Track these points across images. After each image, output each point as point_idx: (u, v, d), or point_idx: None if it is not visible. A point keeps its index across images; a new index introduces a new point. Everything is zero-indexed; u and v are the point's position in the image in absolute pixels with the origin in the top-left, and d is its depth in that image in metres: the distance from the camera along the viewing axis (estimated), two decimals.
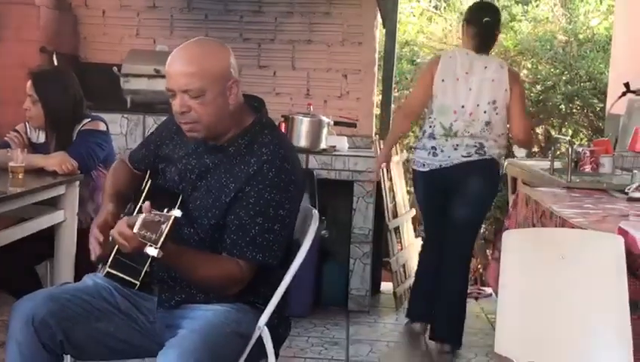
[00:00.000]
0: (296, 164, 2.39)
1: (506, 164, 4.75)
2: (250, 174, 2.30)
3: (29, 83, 3.64)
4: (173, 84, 2.28)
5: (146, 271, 2.29)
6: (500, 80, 4.07)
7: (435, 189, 4.19)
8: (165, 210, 2.07)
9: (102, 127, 3.71)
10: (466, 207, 4.09)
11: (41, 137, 3.75)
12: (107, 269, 2.31)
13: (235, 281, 2.30)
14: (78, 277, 2.87)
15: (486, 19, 4.10)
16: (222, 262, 2.29)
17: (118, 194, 2.54)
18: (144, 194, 2.40)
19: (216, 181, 2.34)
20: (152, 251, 2.02)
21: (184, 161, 2.42)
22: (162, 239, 2.01)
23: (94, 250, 2.34)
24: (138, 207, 2.34)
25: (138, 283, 2.31)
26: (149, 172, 2.53)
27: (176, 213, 2.04)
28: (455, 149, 4.09)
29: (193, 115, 2.28)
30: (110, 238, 2.23)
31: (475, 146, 4.09)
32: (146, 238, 2.02)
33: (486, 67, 4.09)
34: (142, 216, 2.06)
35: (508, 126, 4.17)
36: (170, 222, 2.02)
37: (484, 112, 4.07)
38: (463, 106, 4.07)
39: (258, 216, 2.28)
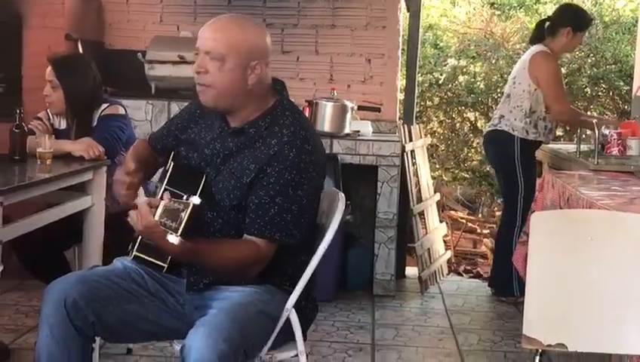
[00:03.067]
0: (317, 146, 2.40)
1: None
2: (271, 155, 2.32)
3: (49, 69, 3.68)
4: (199, 44, 2.34)
5: None
6: (525, 60, 4.72)
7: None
8: (184, 197, 2.09)
9: (121, 110, 3.75)
10: (495, 171, 5.10)
11: (62, 123, 3.78)
12: (134, 253, 2.34)
13: (254, 262, 2.31)
14: (106, 262, 2.90)
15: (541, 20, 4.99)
16: (238, 246, 2.31)
17: (140, 158, 2.53)
18: (168, 175, 2.42)
19: (239, 163, 2.36)
20: (172, 239, 2.05)
21: (211, 146, 2.43)
22: (182, 227, 2.03)
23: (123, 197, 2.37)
24: (162, 189, 2.36)
25: (166, 266, 2.33)
26: (172, 153, 2.55)
27: (195, 200, 2.07)
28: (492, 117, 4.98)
29: (208, 77, 2.32)
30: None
31: (496, 117, 4.83)
32: (167, 226, 2.05)
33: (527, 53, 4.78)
34: (162, 202, 2.08)
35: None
36: (189, 210, 2.04)
37: (508, 87, 4.82)
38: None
39: (277, 195, 2.30)
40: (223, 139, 2.42)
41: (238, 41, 2.31)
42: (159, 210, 2.08)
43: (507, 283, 4.73)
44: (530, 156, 4.72)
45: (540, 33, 4.78)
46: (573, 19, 4.71)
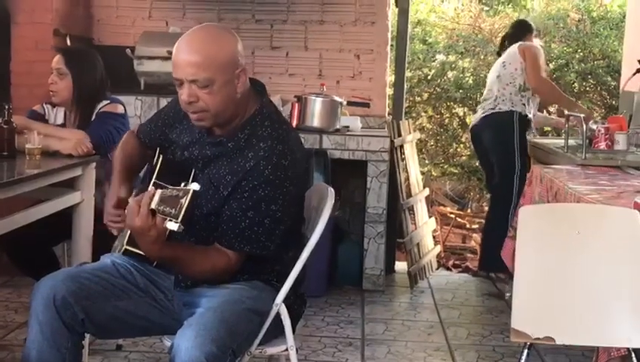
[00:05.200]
0: (295, 158, 2.35)
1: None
2: (247, 169, 2.30)
3: (58, 57, 3.66)
4: (180, 74, 2.25)
5: None
6: (514, 47, 5.10)
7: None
8: (182, 184, 2.07)
9: (120, 109, 3.73)
10: (489, 154, 5.16)
11: (59, 118, 3.76)
12: (125, 246, 2.33)
13: (223, 272, 2.32)
14: (95, 258, 2.90)
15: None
16: (211, 256, 2.31)
17: (127, 171, 2.58)
18: (157, 170, 2.42)
19: (216, 172, 2.35)
20: (172, 226, 2.02)
21: (189, 150, 2.43)
22: (182, 213, 2.01)
23: (115, 229, 2.38)
24: (151, 183, 2.36)
25: None
26: (158, 148, 2.55)
27: (195, 186, 2.04)
28: (482, 107, 5.21)
29: (201, 104, 2.26)
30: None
31: (490, 100, 5.07)
32: (165, 213, 2.03)
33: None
34: (159, 191, 2.07)
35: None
36: (190, 195, 2.02)
37: (496, 71, 5.12)
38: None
39: (249, 210, 2.28)
40: (202, 145, 2.40)
41: (218, 58, 2.23)
42: (156, 199, 2.05)
43: (498, 259, 4.76)
44: (524, 134, 5.03)
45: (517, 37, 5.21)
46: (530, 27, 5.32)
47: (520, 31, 5.27)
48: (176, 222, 2.02)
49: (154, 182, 2.35)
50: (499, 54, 5.35)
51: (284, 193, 2.31)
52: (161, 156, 2.49)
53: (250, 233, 2.29)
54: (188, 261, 2.28)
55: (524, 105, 5.00)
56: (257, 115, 2.37)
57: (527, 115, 5.02)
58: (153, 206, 2.05)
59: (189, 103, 2.27)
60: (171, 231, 2.08)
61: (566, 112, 4.60)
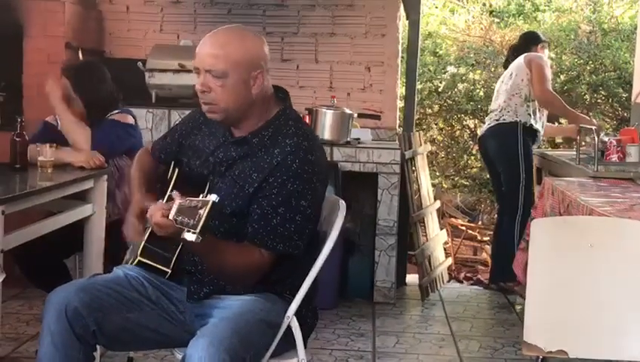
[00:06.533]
0: (319, 156, 2.40)
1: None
2: (274, 165, 2.31)
3: (64, 83, 3.69)
4: (198, 63, 2.33)
5: (175, 260, 2.31)
6: (520, 59, 5.13)
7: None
8: (201, 196, 2.08)
9: (129, 120, 3.76)
10: (495, 165, 5.20)
11: None
12: (138, 258, 2.34)
13: (257, 271, 2.31)
14: (107, 270, 2.90)
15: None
16: (247, 251, 2.30)
17: (146, 182, 2.58)
18: (172, 183, 2.42)
19: (241, 171, 2.36)
20: (190, 236, 2.02)
21: (215, 154, 2.44)
22: (201, 224, 2.01)
23: (131, 236, 2.40)
24: (167, 195, 2.37)
25: (169, 271, 2.33)
26: (173, 161, 2.56)
27: (214, 197, 2.05)
28: (489, 118, 5.25)
29: (212, 95, 2.31)
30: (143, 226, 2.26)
31: (496, 111, 5.11)
32: (184, 224, 2.03)
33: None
34: (177, 202, 2.07)
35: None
36: (209, 206, 2.02)
37: (503, 82, 5.17)
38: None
39: (280, 206, 2.29)
40: (226, 148, 2.42)
41: (237, 55, 2.29)
42: (173, 209, 2.06)
43: (508, 268, 4.75)
44: (530, 145, 5.03)
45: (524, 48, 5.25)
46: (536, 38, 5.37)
47: (526, 43, 5.30)
48: (194, 233, 2.02)
49: (169, 195, 2.35)
50: (505, 66, 5.38)
51: (313, 188, 2.33)
52: (176, 169, 2.50)
53: (282, 230, 2.29)
54: (224, 251, 2.26)
55: (529, 115, 5.01)
56: (281, 115, 2.41)
57: (531, 125, 5.02)
58: (171, 216, 2.05)
59: (202, 92, 2.33)
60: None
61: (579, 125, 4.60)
